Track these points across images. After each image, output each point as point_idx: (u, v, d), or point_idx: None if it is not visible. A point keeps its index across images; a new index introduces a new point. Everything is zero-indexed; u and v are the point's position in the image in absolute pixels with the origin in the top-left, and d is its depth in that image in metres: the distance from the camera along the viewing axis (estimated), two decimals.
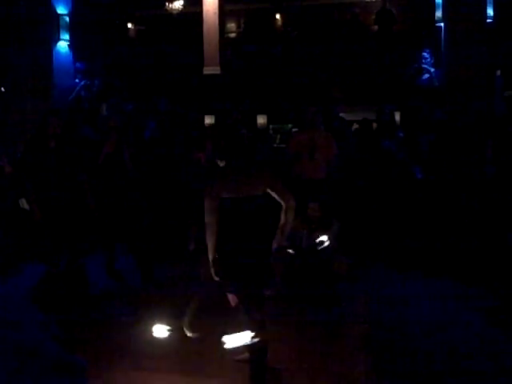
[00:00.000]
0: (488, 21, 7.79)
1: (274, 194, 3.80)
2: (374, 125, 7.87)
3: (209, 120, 8.39)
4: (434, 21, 8.42)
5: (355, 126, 8.17)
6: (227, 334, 3.61)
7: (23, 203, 6.45)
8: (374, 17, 10.80)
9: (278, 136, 8.87)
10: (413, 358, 4.48)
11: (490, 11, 7.94)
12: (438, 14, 8.18)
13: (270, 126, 9.31)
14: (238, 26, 12.35)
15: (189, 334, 4.26)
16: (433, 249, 6.67)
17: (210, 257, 3.79)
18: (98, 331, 4.96)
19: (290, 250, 5.97)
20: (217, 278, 3.77)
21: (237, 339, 3.60)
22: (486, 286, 5.93)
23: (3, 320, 0.92)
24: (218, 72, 8.89)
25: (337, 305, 5.67)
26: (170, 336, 4.35)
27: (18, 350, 0.91)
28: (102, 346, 4.63)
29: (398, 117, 8.23)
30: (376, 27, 10.77)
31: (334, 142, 7.06)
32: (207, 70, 9.08)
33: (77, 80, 8.76)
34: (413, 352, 4.59)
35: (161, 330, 4.28)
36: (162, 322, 4.27)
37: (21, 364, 0.91)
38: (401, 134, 7.43)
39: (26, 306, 0.96)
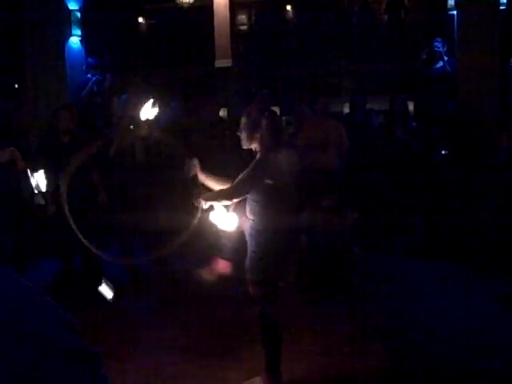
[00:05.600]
0: (501, 8, 7.70)
1: None
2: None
3: (221, 113, 8.38)
4: (446, 9, 8.34)
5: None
6: None
7: (38, 198, 6.49)
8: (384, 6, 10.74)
9: (291, 129, 8.84)
10: (426, 348, 4.47)
11: None
12: (451, 1, 8.10)
13: (283, 118, 9.28)
14: (249, 18, 12.31)
15: None
16: (448, 238, 6.63)
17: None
18: (112, 324, 5.00)
19: (305, 241, 5.97)
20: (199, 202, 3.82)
21: None
22: (502, 273, 5.90)
23: (17, 311, 0.93)
24: (230, 64, 8.88)
25: (350, 295, 5.68)
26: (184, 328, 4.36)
27: (33, 339, 0.92)
28: (116, 338, 4.67)
29: (411, 106, 8.18)
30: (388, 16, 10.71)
31: (345, 133, 7.05)
32: (219, 63, 9.07)
33: (89, 75, 8.78)
34: (425, 341, 4.58)
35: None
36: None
37: (36, 353, 0.91)
38: (414, 124, 7.38)
39: (40, 296, 0.97)
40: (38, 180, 6.16)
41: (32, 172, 6.23)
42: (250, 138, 3.90)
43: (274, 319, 3.94)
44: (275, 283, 3.95)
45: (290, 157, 3.95)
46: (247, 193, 3.79)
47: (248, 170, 3.78)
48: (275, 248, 3.79)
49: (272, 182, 3.74)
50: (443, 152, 6.91)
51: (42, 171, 4.47)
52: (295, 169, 3.94)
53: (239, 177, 3.79)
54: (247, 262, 3.89)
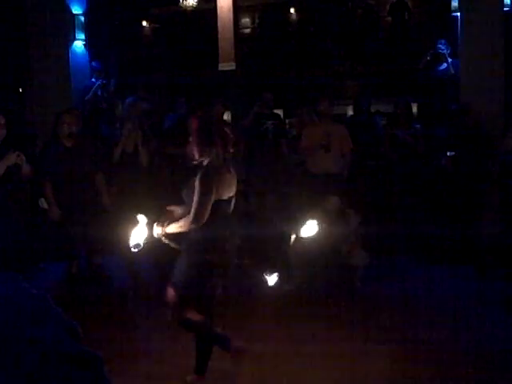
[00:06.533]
0: (505, 9, 7.68)
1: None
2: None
3: (225, 116, 8.38)
4: (449, 10, 8.33)
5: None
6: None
7: (43, 203, 6.51)
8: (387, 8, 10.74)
9: (295, 131, 8.86)
10: (428, 349, 4.46)
11: None
12: (455, 3, 8.09)
13: (287, 121, 9.31)
14: (253, 22, 12.34)
15: None
16: (453, 240, 6.61)
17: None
18: (115, 329, 5.01)
19: (308, 244, 5.96)
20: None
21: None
22: (505, 275, 5.89)
23: (20, 316, 0.93)
24: (234, 68, 8.89)
25: (355, 299, 5.67)
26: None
27: (35, 345, 0.92)
28: (118, 342, 4.68)
29: (414, 108, 8.18)
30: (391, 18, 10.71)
31: (348, 135, 7.04)
32: (222, 66, 9.08)
33: (93, 79, 8.80)
34: (428, 343, 4.58)
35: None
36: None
37: (37, 359, 0.92)
38: (418, 126, 7.38)
39: (43, 301, 0.97)
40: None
41: (36, 176, 6.25)
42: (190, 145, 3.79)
43: (201, 321, 3.82)
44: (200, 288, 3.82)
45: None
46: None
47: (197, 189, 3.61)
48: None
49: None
50: (449, 154, 6.89)
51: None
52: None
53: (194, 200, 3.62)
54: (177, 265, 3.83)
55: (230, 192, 3.72)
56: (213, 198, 3.59)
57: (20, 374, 0.92)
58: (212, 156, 3.66)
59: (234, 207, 3.82)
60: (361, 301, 5.63)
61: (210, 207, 3.58)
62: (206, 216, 3.59)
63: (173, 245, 3.78)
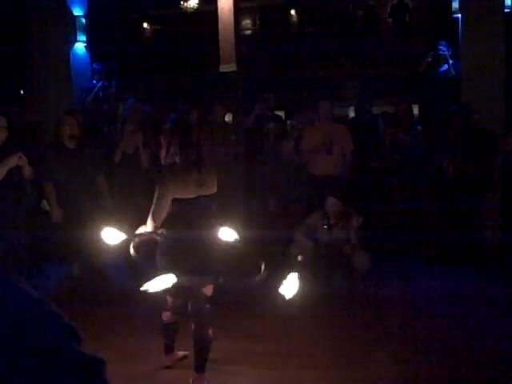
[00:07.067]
0: (506, 11, 7.69)
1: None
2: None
3: (226, 118, 8.39)
4: (450, 12, 8.33)
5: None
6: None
7: (45, 204, 6.52)
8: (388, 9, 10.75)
9: (296, 133, 8.85)
10: (429, 351, 4.46)
11: (508, 1, 7.84)
12: (455, 4, 8.10)
13: (288, 122, 9.31)
14: (254, 23, 12.35)
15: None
16: (456, 242, 6.61)
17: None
18: (116, 330, 5.01)
19: (310, 246, 5.97)
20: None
21: (157, 284, 3.62)
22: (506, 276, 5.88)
23: (21, 320, 0.93)
24: (235, 69, 8.90)
25: (356, 300, 5.67)
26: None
27: (36, 349, 0.92)
28: (119, 343, 4.68)
29: (416, 110, 8.18)
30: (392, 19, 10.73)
31: (350, 136, 7.04)
32: (223, 68, 9.09)
33: (94, 81, 8.81)
34: (428, 344, 4.57)
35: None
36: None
37: (38, 363, 0.92)
38: (419, 127, 7.38)
39: (44, 304, 0.97)
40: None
41: (38, 178, 6.26)
42: None
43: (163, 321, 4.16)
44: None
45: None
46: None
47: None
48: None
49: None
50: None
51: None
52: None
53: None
54: None
55: (199, 192, 3.80)
56: (168, 198, 3.74)
57: (20, 376, 0.92)
58: (173, 159, 3.84)
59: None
60: (362, 301, 5.63)
61: (164, 206, 3.75)
62: (162, 214, 3.76)
63: (132, 253, 3.82)
